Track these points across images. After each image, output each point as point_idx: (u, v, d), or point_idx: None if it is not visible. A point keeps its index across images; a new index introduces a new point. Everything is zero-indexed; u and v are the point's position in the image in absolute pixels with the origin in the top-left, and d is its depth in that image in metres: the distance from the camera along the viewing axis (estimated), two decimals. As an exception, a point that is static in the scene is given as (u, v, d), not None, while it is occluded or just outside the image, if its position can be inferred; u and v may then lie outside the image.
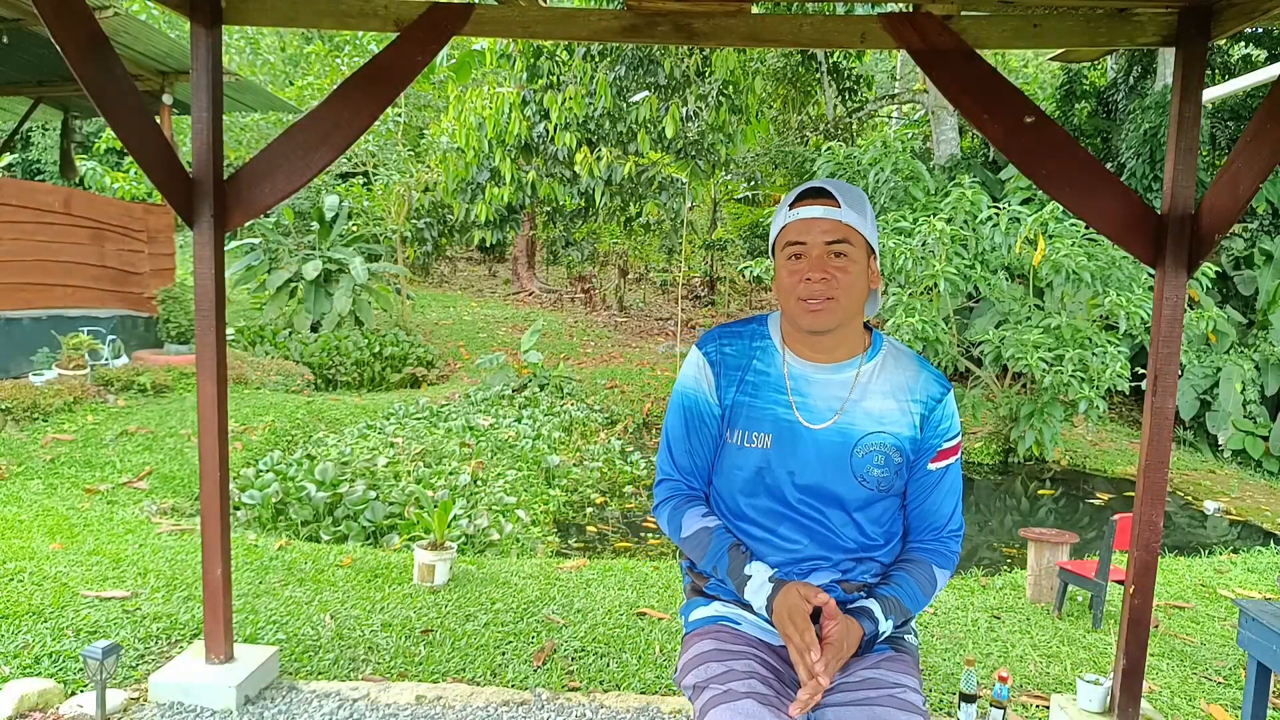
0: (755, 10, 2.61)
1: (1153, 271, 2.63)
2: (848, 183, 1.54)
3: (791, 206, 1.51)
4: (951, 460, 1.58)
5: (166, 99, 7.82)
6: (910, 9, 2.53)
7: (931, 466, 1.56)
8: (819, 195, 1.49)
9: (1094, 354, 7.46)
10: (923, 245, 7.91)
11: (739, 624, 1.58)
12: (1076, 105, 13.28)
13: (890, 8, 2.89)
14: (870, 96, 16.09)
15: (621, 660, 3.15)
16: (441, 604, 3.58)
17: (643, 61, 10.66)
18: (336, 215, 11.92)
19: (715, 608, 1.61)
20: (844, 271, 1.46)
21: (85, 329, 7.15)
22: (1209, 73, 10.86)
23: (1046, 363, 7.47)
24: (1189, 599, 4.31)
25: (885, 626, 1.50)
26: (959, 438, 1.60)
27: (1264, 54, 12.16)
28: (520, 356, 9.69)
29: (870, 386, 1.53)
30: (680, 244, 15.86)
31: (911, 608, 1.54)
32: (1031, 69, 17.73)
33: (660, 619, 3.57)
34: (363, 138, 6.43)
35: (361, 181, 14.96)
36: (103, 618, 3.17)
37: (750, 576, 1.50)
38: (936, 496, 1.58)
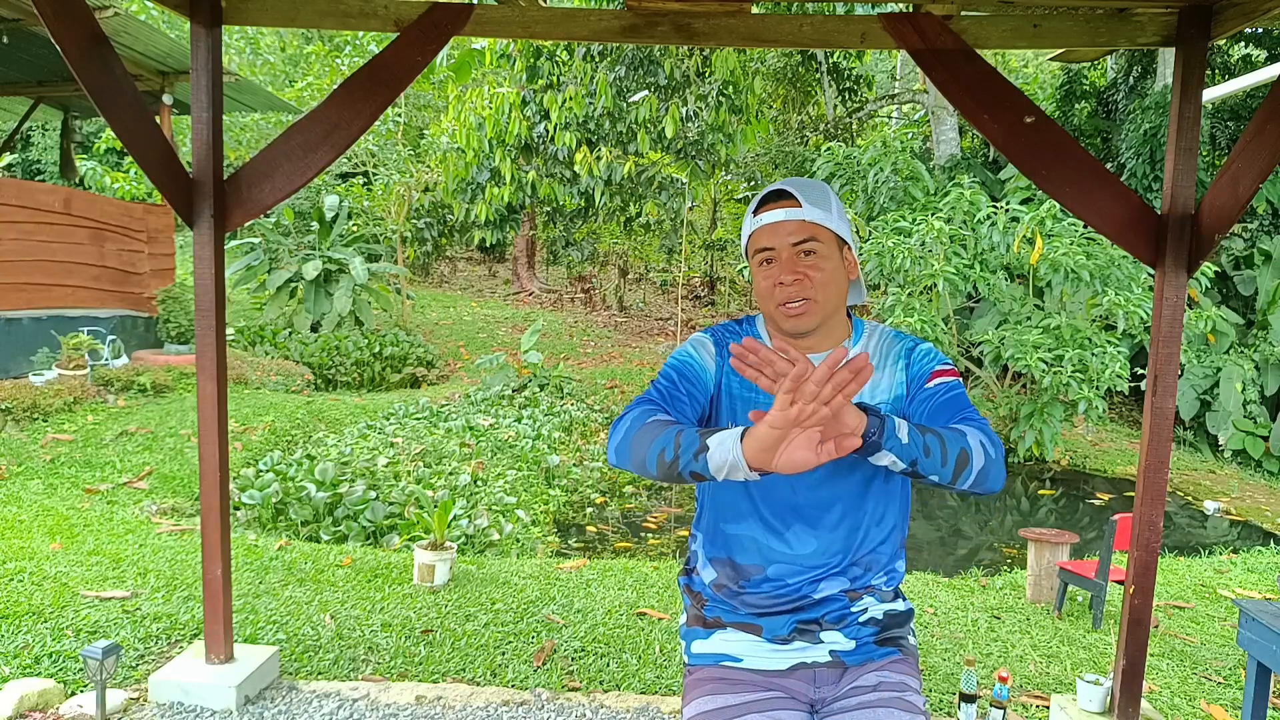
0: (755, 10, 2.61)
1: (1152, 271, 2.63)
2: (827, 183, 1.52)
3: (755, 213, 1.50)
4: (950, 379, 1.47)
5: (166, 99, 7.82)
6: (910, 9, 2.53)
7: (930, 385, 1.46)
8: (779, 198, 1.48)
9: (1093, 354, 7.47)
10: (922, 245, 7.91)
11: (740, 661, 1.55)
12: (1076, 105, 13.27)
13: (890, 8, 2.89)
14: (870, 96, 16.09)
15: (621, 660, 3.15)
16: (441, 604, 3.58)
17: (643, 61, 10.66)
18: (336, 215, 11.92)
19: (716, 642, 1.58)
20: (816, 269, 1.45)
21: (85, 329, 7.15)
22: (1209, 73, 10.86)
23: (1046, 363, 7.47)
24: (1189, 599, 4.31)
25: (902, 434, 1.25)
26: (951, 366, 1.53)
27: (1264, 54, 12.15)
28: (520, 356, 9.70)
29: None
30: (680, 244, 15.86)
31: (933, 444, 1.27)
32: (1031, 69, 17.72)
33: (660, 619, 3.57)
34: (363, 138, 6.44)
35: (361, 181, 14.97)
36: (103, 618, 3.17)
37: (722, 437, 1.21)
38: (949, 408, 1.43)
